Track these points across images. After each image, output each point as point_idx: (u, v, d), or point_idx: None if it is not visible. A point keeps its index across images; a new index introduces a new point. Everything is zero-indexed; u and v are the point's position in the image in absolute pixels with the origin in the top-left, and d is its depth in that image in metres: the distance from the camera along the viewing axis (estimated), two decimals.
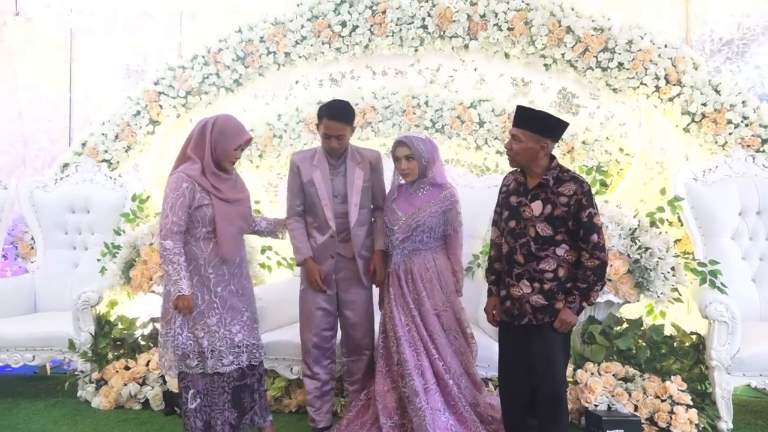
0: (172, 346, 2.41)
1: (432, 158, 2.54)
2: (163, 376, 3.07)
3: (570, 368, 2.82)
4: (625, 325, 2.99)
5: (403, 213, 2.54)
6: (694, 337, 3.02)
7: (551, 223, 2.17)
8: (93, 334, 3.25)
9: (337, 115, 2.53)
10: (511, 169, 2.34)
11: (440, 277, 2.57)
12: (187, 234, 2.41)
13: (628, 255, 2.90)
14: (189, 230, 2.41)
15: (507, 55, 3.78)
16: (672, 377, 2.81)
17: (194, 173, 2.38)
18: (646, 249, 2.89)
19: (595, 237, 2.13)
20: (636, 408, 2.74)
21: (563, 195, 2.16)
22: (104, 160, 4.08)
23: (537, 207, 2.19)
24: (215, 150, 2.39)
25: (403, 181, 2.63)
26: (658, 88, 3.53)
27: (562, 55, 3.64)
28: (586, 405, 2.74)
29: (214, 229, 2.40)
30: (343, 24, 3.85)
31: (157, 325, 3.30)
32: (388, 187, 2.72)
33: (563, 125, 2.22)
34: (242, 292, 2.52)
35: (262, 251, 3.47)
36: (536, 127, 2.17)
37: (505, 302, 2.31)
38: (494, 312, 2.37)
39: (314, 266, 2.59)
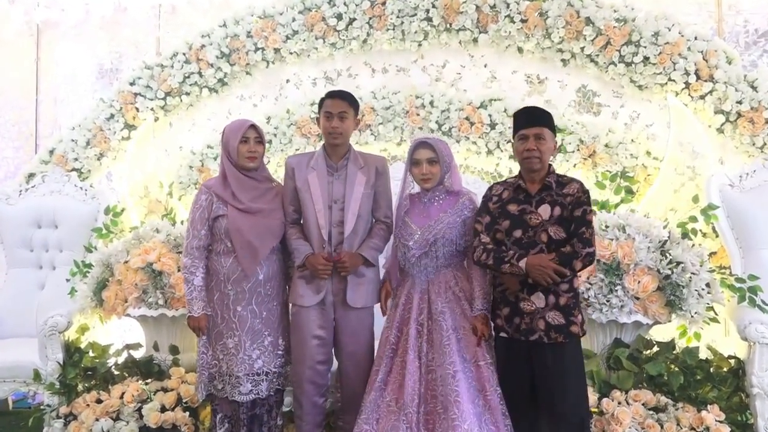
0: (199, 366, 2.63)
1: (450, 162, 2.59)
2: (139, 410, 3.07)
3: (595, 397, 2.82)
4: (655, 349, 2.99)
5: (418, 226, 2.55)
6: (732, 361, 3.03)
7: (562, 224, 2.29)
8: (61, 363, 3.24)
9: (338, 93, 2.65)
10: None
11: (464, 297, 2.52)
12: (210, 249, 2.61)
13: (658, 270, 2.92)
14: (211, 244, 2.62)
15: (520, 50, 3.83)
16: (708, 406, 2.80)
17: (213, 183, 2.65)
18: (678, 263, 2.91)
19: (583, 229, 2.26)
20: None
21: (569, 195, 2.31)
22: (74, 169, 4.11)
23: (545, 211, 2.31)
24: (228, 153, 2.62)
25: (414, 191, 2.65)
26: (688, 84, 3.58)
27: (582, 49, 3.69)
28: None
29: (232, 242, 2.56)
30: (339, 17, 3.90)
31: (132, 352, 3.36)
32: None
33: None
34: (267, 314, 2.60)
35: None
36: (551, 124, 2.37)
37: (513, 319, 2.36)
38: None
39: (316, 256, 2.55)
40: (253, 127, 2.63)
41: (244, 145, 2.60)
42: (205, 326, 2.58)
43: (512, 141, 2.45)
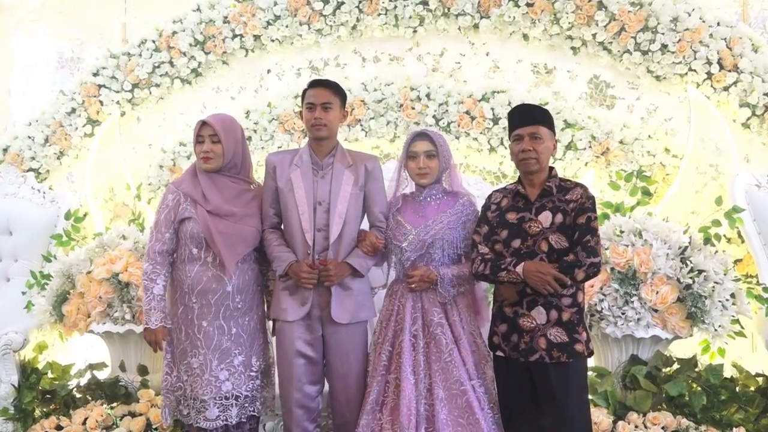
0: (163, 389, 2.60)
1: (449, 159, 2.63)
2: None
3: (609, 420, 2.84)
4: (675, 366, 3.01)
5: (413, 226, 2.57)
6: (760, 379, 3.05)
7: (564, 233, 2.31)
8: (16, 385, 3.24)
9: (321, 82, 2.66)
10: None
11: (463, 305, 2.56)
12: (174, 256, 2.61)
13: (678, 279, 2.94)
14: (175, 250, 2.61)
15: (526, 37, 3.86)
16: (734, 429, 2.83)
17: (183, 180, 2.63)
18: (700, 272, 2.93)
19: (588, 238, 2.28)
20: None
21: (571, 201, 2.33)
22: (31, 169, 4.11)
23: (546, 218, 2.34)
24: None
25: (406, 191, 2.67)
26: (710, 75, 3.61)
27: (593, 36, 3.72)
28: None
29: (199, 248, 2.55)
30: (326, 0, 3.91)
31: (96, 373, 3.36)
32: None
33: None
34: (237, 330, 2.57)
35: None
36: (549, 122, 2.42)
37: (510, 337, 2.38)
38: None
39: (299, 264, 2.54)
40: (206, 124, 2.58)
41: (199, 146, 2.59)
42: (161, 340, 2.56)
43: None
